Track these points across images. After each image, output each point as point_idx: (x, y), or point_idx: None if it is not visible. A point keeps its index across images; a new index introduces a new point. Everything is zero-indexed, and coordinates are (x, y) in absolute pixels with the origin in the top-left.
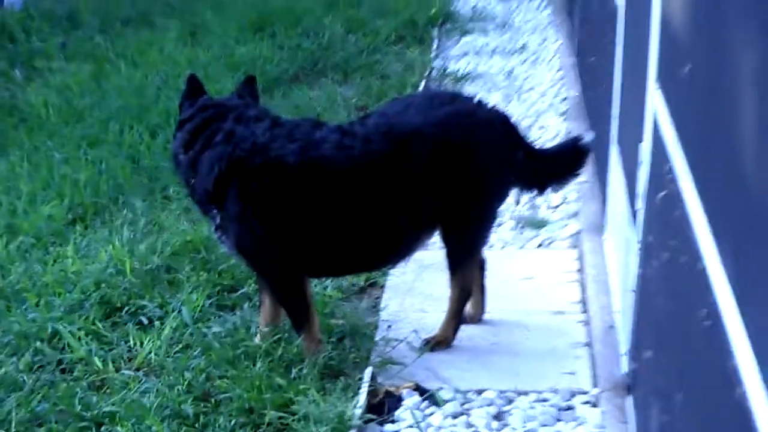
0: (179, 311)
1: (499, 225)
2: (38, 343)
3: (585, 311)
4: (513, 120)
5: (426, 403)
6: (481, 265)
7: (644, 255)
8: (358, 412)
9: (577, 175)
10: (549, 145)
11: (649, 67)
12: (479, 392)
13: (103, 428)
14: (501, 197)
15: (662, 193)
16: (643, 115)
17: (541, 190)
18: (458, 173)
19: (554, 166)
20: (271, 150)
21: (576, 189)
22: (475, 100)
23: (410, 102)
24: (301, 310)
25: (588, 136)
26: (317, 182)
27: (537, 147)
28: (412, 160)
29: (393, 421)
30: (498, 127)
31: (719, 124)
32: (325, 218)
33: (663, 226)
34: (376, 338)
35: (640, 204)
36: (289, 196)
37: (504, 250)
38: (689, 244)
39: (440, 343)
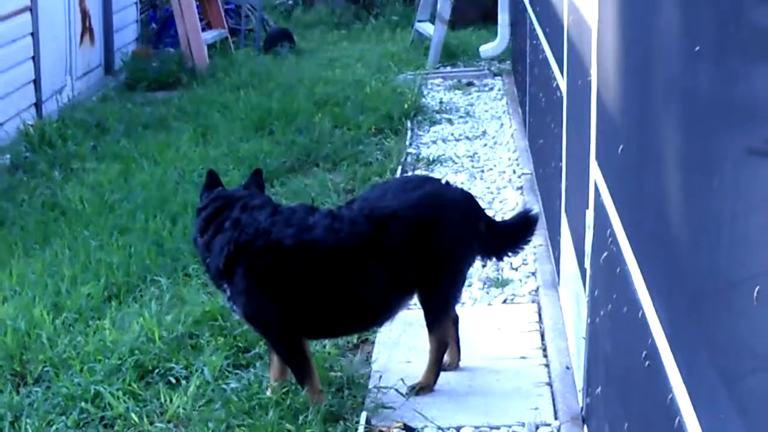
0: (202, 371)
1: (469, 285)
2: (83, 404)
3: (545, 355)
4: (475, 197)
5: None
6: (454, 321)
7: (592, 306)
8: None
9: (529, 241)
10: (506, 217)
11: (590, 146)
12: (458, 429)
13: None
14: (468, 263)
15: (605, 254)
16: (587, 187)
17: (500, 257)
18: (431, 246)
19: (510, 236)
20: (271, 234)
21: (533, 252)
22: (443, 181)
23: (388, 187)
24: (302, 366)
25: (535, 209)
26: (311, 260)
27: (495, 220)
28: (391, 237)
29: None
30: (463, 205)
31: (648, 193)
32: (318, 289)
33: (607, 281)
34: (369, 386)
35: (587, 263)
36: (287, 272)
37: (474, 306)
38: (629, 296)
39: (423, 388)
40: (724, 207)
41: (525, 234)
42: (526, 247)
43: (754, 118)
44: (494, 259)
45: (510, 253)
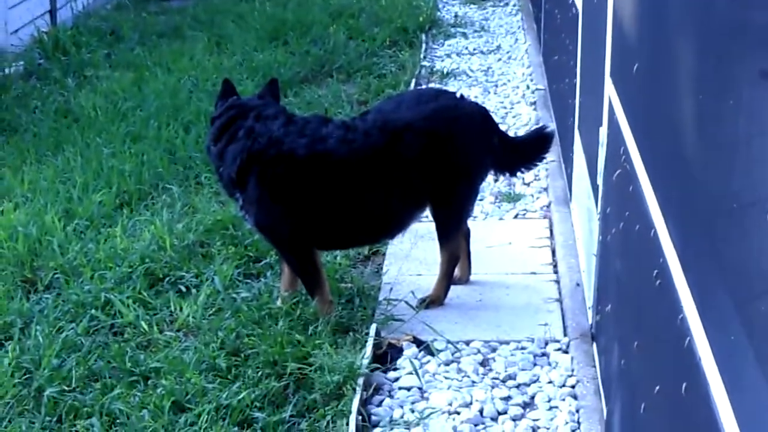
0: (212, 280)
1: (481, 199)
2: (93, 311)
3: (556, 272)
4: (489, 112)
5: (423, 353)
6: (466, 235)
7: (604, 224)
8: (365, 362)
9: (543, 158)
10: (519, 132)
11: (605, 64)
12: (467, 343)
13: (149, 381)
14: (481, 177)
15: (618, 171)
16: (601, 104)
17: (513, 173)
18: (444, 158)
19: (524, 152)
20: (284, 144)
21: (545, 168)
22: (457, 95)
23: (402, 99)
24: (313, 277)
25: (550, 126)
26: (324, 171)
27: (509, 135)
28: (404, 149)
29: (395, 369)
30: (477, 119)
31: (662, 112)
32: (330, 201)
33: (619, 199)
34: (380, 299)
35: (600, 180)
36: (300, 182)
37: (486, 221)
38: (641, 214)
39: (434, 301)
40: (737, 128)
41: (539, 151)
42: (539, 164)
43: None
44: (507, 175)
45: (524, 169)
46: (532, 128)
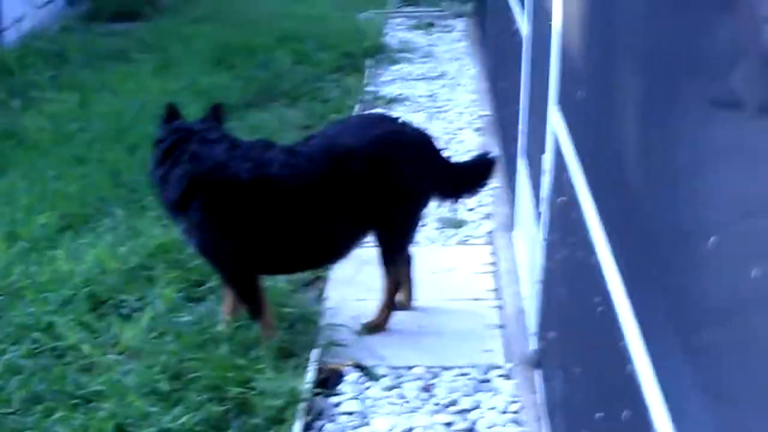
0: (155, 303)
1: (425, 225)
2: (36, 333)
3: (499, 298)
4: (432, 138)
5: (364, 378)
6: (409, 260)
7: (547, 250)
8: (307, 386)
9: (486, 184)
10: (464, 158)
11: (550, 90)
12: (410, 368)
13: (91, 404)
14: (424, 203)
15: (561, 199)
16: (545, 131)
17: (456, 198)
18: (387, 184)
19: (467, 177)
20: (228, 168)
21: (490, 194)
22: (400, 121)
23: (346, 124)
24: (254, 302)
25: (493, 152)
26: (267, 196)
27: (452, 161)
28: (348, 175)
29: (337, 394)
30: (420, 144)
31: (607, 141)
32: (273, 226)
33: (562, 226)
34: (322, 324)
35: (544, 207)
36: (243, 207)
37: (429, 247)
38: (585, 241)
39: (376, 327)
40: (680, 157)
41: (482, 176)
42: (482, 189)
43: (712, 68)
44: (451, 201)
45: (467, 195)
46: (475, 154)
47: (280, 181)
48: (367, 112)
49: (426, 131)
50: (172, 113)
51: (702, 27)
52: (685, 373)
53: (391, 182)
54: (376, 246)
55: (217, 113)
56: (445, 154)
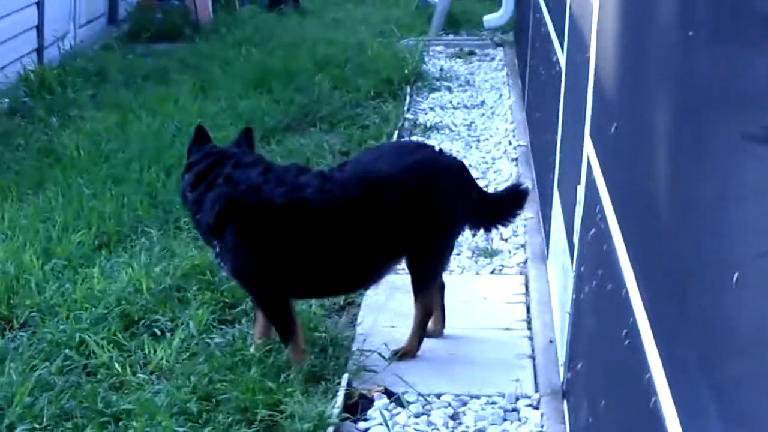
0: (187, 324)
1: (458, 254)
2: (67, 351)
3: (529, 328)
4: (467, 167)
5: (393, 404)
6: (441, 288)
7: (578, 282)
8: (336, 411)
9: (519, 214)
10: (499, 188)
11: (585, 123)
12: (438, 396)
13: (120, 423)
14: (458, 232)
15: (593, 230)
16: (580, 162)
17: (489, 228)
18: (421, 212)
19: (500, 208)
20: (262, 192)
21: (523, 224)
22: (437, 149)
23: (382, 151)
24: (286, 325)
25: (526, 183)
26: (300, 220)
27: (487, 191)
28: (382, 201)
29: (365, 420)
30: (455, 173)
31: (638, 173)
32: (307, 250)
33: (593, 257)
34: (353, 349)
35: (576, 238)
36: (276, 231)
37: (462, 275)
38: (614, 273)
39: (406, 353)
40: (710, 191)
41: (515, 207)
42: (515, 220)
43: (747, 104)
44: (484, 230)
45: (499, 225)
46: (509, 185)
47: (314, 206)
48: (403, 140)
49: (460, 160)
50: (201, 135)
51: (737, 61)
52: (709, 407)
53: (426, 210)
54: (409, 273)
55: (248, 137)
56: (479, 183)
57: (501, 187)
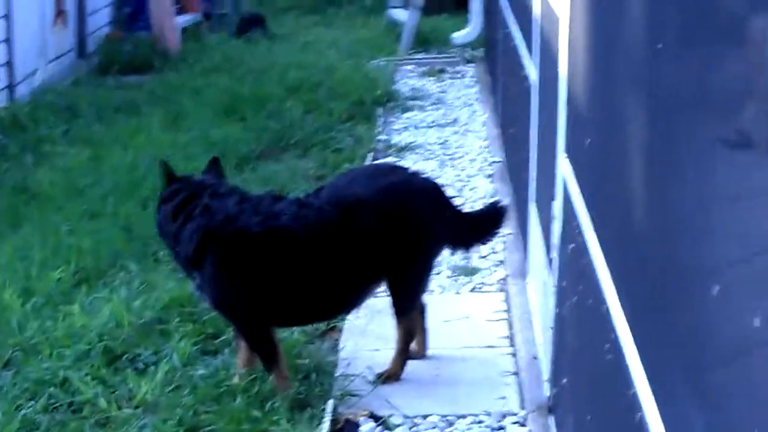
0: (170, 357)
1: (437, 273)
2: (52, 388)
3: (512, 345)
4: (442, 187)
5: (380, 428)
6: (422, 309)
7: (559, 297)
8: None
9: (498, 232)
10: (476, 206)
11: (558, 137)
12: (425, 417)
13: None
14: (436, 252)
15: (572, 245)
16: (554, 178)
17: (468, 248)
18: (398, 234)
19: (478, 227)
20: (239, 221)
21: (502, 240)
22: (410, 171)
23: (356, 175)
24: (269, 354)
25: (504, 201)
26: (278, 248)
27: (463, 211)
28: (358, 225)
29: None
30: (430, 194)
31: (614, 187)
32: (286, 278)
33: (573, 272)
34: (337, 374)
35: (555, 254)
36: (254, 260)
37: (442, 295)
38: (594, 288)
39: (390, 376)
40: (688, 201)
41: (494, 225)
42: (494, 238)
43: (718, 108)
44: (462, 250)
45: (478, 244)
46: (487, 203)
47: (291, 232)
48: (376, 162)
49: (435, 180)
50: (167, 172)
51: (709, 67)
52: (694, 419)
53: (402, 232)
54: (389, 296)
55: (216, 167)
56: (456, 202)
57: (478, 206)
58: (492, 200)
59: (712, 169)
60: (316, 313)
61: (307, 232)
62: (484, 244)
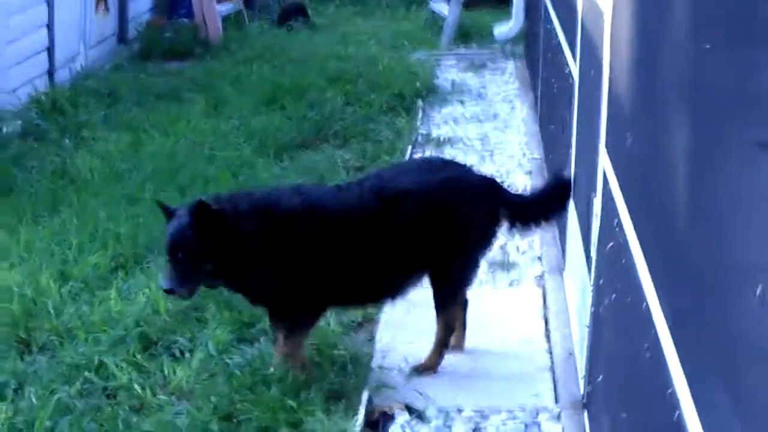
0: (206, 344)
1: None
2: (87, 373)
3: (548, 341)
4: (499, 183)
5: (415, 420)
6: (464, 304)
7: (596, 295)
8: (358, 429)
9: (565, 208)
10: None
11: (600, 134)
12: (459, 410)
13: None
14: (483, 250)
15: (611, 243)
16: (595, 175)
17: (538, 225)
18: (444, 229)
19: (543, 206)
20: (280, 204)
21: (540, 236)
22: (463, 166)
23: (407, 166)
24: (302, 337)
25: (566, 172)
26: (317, 228)
27: (525, 195)
28: (400, 216)
29: None
30: (482, 191)
31: (655, 185)
32: (324, 258)
33: (612, 270)
34: (372, 366)
35: (593, 251)
36: (297, 239)
37: (479, 289)
38: (633, 286)
39: (427, 369)
40: (729, 201)
41: (560, 201)
42: (562, 213)
43: (763, 112)
44: (533, 228)
45: (544, 223)
46: (549, 179)
47: (333, 214)
48: (430, 156)
49: (491, 176)
50: (166, 210)
51: (755, 69)
52: (733, 420)
53: (449, 227)
54: (432, 289)
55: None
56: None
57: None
58: (552, 174)
59: (756, 171)
60: (353, 297)
61: (346, 216)
62: (550, 221)
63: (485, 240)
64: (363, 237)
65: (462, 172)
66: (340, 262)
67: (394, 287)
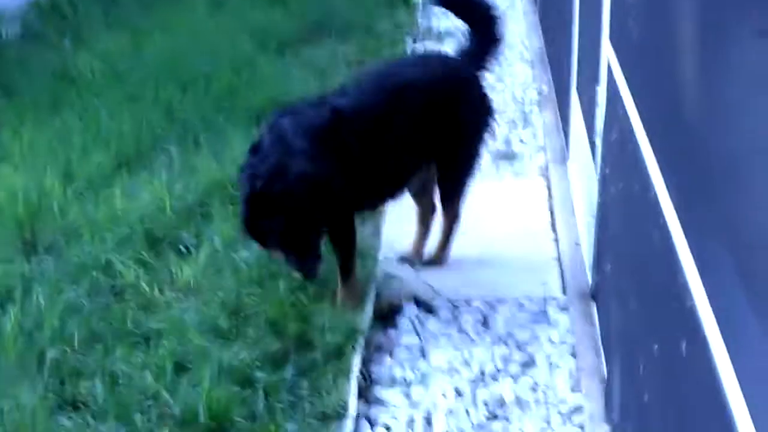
0: (212, 240)
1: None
2: (94, 272)
3: (554, 231)
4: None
5: (423, 312)
6: (432, 210)
7: (602, 184)
8: (366, 321)
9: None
10: (517, 92)
11: (603, 23)
12: (467, 301)
13: (151, 342)
14: (483, 138)
15: (616, 131)
16: (598, 65)
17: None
18: (450, 120)
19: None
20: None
21: (542, 126)
22: (457, 59)
23: (406, 62)
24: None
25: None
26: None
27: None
28: (407, 108)
29: (396, 328)
30: (480, 80)
31: (661, 72)
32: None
33: (618, 159)
34: (379, 258)
35: (598, 140)
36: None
37: (483, 181)
38: (640, 174)
39: (434, 261)
40: (735, 85)
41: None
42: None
43: None
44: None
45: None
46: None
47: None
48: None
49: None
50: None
51: None
52: (743, 303)
53: (454, 117)
54: (437, 184)
55: None
56: (497, 86)
57: (519, 91)
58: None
59: (759, 56)
60: (373, 196)
61: (356, 111)
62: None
63: (487, 128)
64: (387, 132)
65: (460, 63)
66: (374, 160)
67: (406, 181)
